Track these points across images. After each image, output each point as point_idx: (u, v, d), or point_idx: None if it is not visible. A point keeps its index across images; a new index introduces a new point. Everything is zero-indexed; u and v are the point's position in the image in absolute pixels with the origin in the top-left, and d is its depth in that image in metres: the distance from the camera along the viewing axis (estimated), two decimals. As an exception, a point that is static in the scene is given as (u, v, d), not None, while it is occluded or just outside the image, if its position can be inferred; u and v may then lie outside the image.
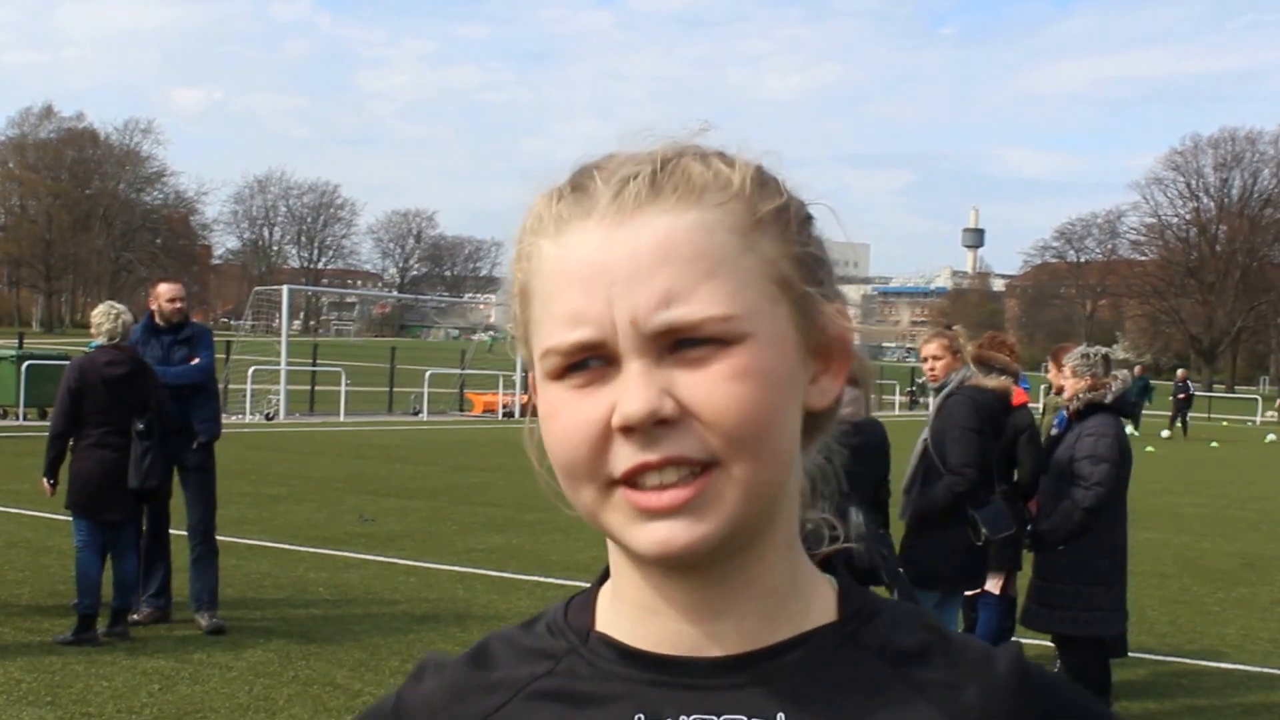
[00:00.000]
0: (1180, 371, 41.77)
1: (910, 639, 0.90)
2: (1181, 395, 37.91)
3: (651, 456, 0.80)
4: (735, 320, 0.81)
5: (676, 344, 0.81)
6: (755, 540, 0.86)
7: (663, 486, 0.81)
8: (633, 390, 0.80)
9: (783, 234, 0.86)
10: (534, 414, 0.88)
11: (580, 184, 0.85)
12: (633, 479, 0.81)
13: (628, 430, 0.80)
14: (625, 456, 0.81)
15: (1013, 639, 1.00)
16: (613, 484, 0.82)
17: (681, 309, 0.80)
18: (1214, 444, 35.38)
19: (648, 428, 0.80)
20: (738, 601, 0.87)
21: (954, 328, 6.74)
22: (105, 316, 7.79)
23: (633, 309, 0.80)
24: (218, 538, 8.42)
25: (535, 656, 0.92)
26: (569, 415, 0.82)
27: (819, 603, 0.91)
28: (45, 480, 7.76)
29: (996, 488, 6.35)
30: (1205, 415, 47.55)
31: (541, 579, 10.12)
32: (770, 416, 0.82)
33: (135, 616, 7.90)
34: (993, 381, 6.35)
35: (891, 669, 0.88)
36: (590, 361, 0.82)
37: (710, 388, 0.80)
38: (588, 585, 0.96)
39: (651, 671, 0.88)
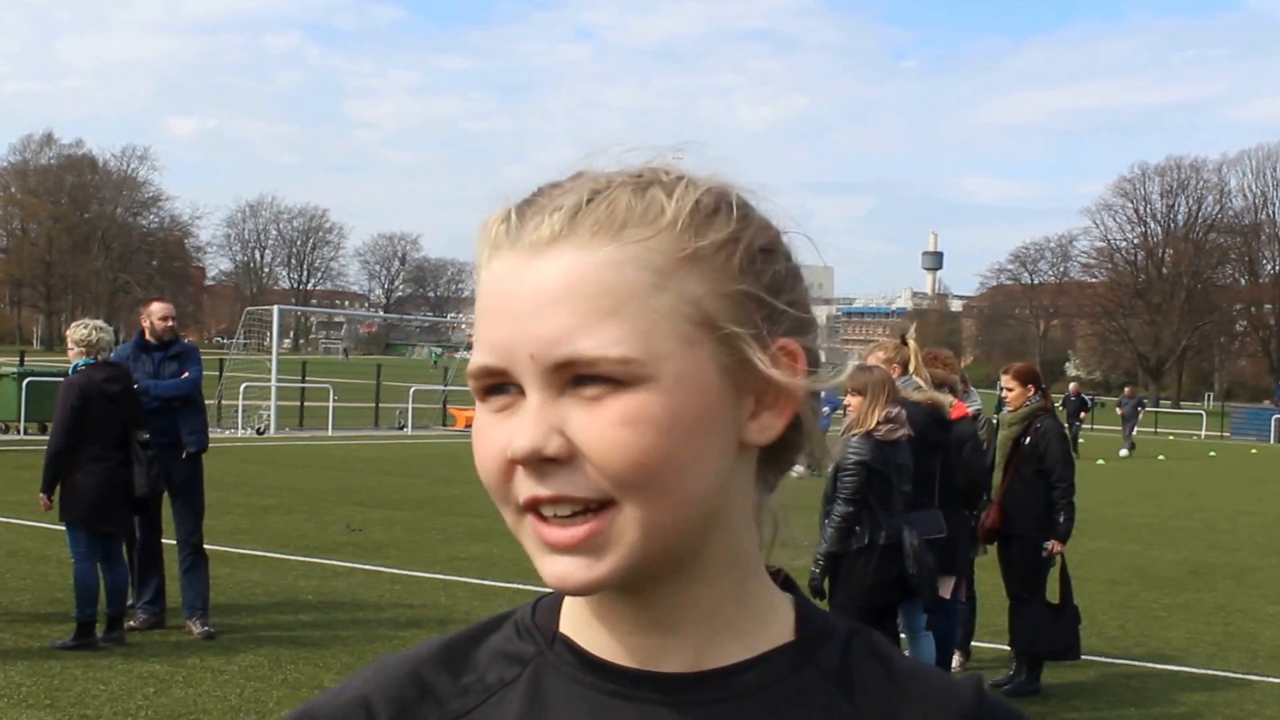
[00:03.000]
0: (1073, 385, 39.22)
1: (865, 664, 0.89)
2: (1081, 413, 35.02)
3: (542, 492, 0.80)
4: (633, 364, 0.79)
5: (575, 379, 0.79)
6: (686, 566, 0.85)
7: (561, 522, 0.80)
8: (522, 426, 0.79)
9: (720, 270, 0.82)
10: None
11: (521, 210, 0.84)
12: (532, 508, 0.81)
13: (518, 463, 0.80)
14: (523, 488, 0.81)
15: (976, 672, 1.00)
16: (521, 510, 0.82)
17: (578, 344, 0.78)
18: (1160, 457, 35.41)
19: (535, 463, 0.79)
20: (679, 621, 0.86)
21: (907, 338, 6.97)
22: (92, 330, 7.89)
23: (532, 342, 0.79)
24: (211, 547, 8.52)
25: (505, 660, 0.91)
26: (485, 439, 0.82)
27: (776, 622, 0.89)
28: (43, 496, 7.84)
29: (929, 496, 6.51)
30: (1153, 430, 47.85)
31: (521, 586, 10.19)
32: (666, 462, 0.79)
33: (131, 623, 8.03)
34: (918, 395, 6.47)
35: (843, 694, 0.87)
36: (507, 387, 0.81)
37: (598, 431, 0.79)
38: None
39: (610, 681, 0.87)
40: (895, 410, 5.89)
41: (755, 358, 0.83)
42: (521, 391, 0.81)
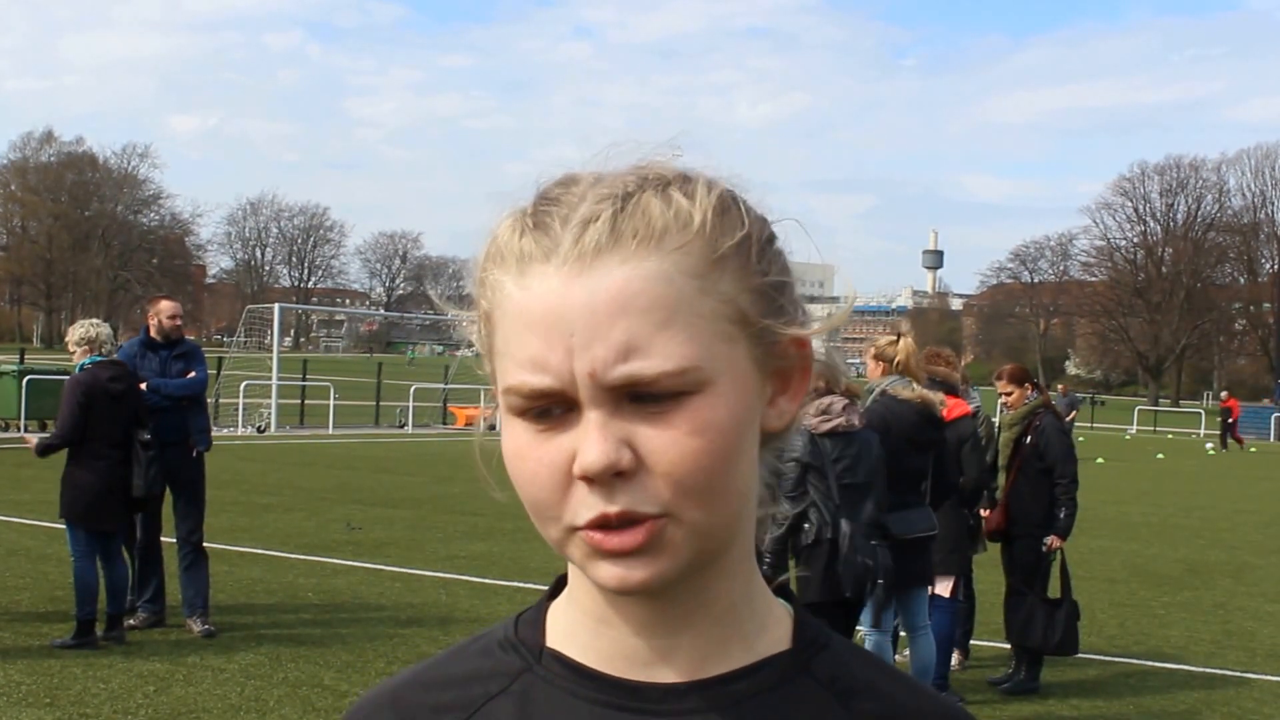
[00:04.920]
0: (1061, 386, 36.24)
1: (859, 675, 0.90)
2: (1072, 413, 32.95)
3: (610, 509, 0.79)
4: (692, 371, 0.79)
5: (636, 395, 0.79)
6: (712, 561, 0.85)
7: (618, 529, 0.80)
8: (591, 442, 0.79)
9: (743, 267, 0.83)
10: (490, 427, 0.89)
11: (541, 221, 0.82)
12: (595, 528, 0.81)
13: (587, 479, 0.80)
14: (585, 508, 0.80)
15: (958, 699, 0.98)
16: (573, 529, 0.81)
17: (637, 364, 0.78)
18: (1160, 455, 35.48)
19: (606, 479, 0.79)
20: (694, 619, 0.87)
21: (901, 336, 6.95)
22: (90, 327, 7.94)
23: (590, 362, 0.78)
24: (211, 545, 8.52)
25: (488, 676, 0.90)
26: (533, 459, 0.81)
27: (774, 626, 0.90)
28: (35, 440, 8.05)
29: (918, 494, 6.51)
30: (1152, 428, 47.93)
31: (521, 584, 10.26)
32: (725, 466, 0.81)
33: (131, 621, 8.04)
34: (908, 392, 6.45)
35: (839, 703, 0.88)
36: (553, 409, 0.81)
37: (668, 443, 0.79)
38: None
39: (605, 693, 0.87)
40: (828, 401, 5.80)
41: (781, 342, 0.85)
42: (568, 410, 0.81)
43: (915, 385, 6.53)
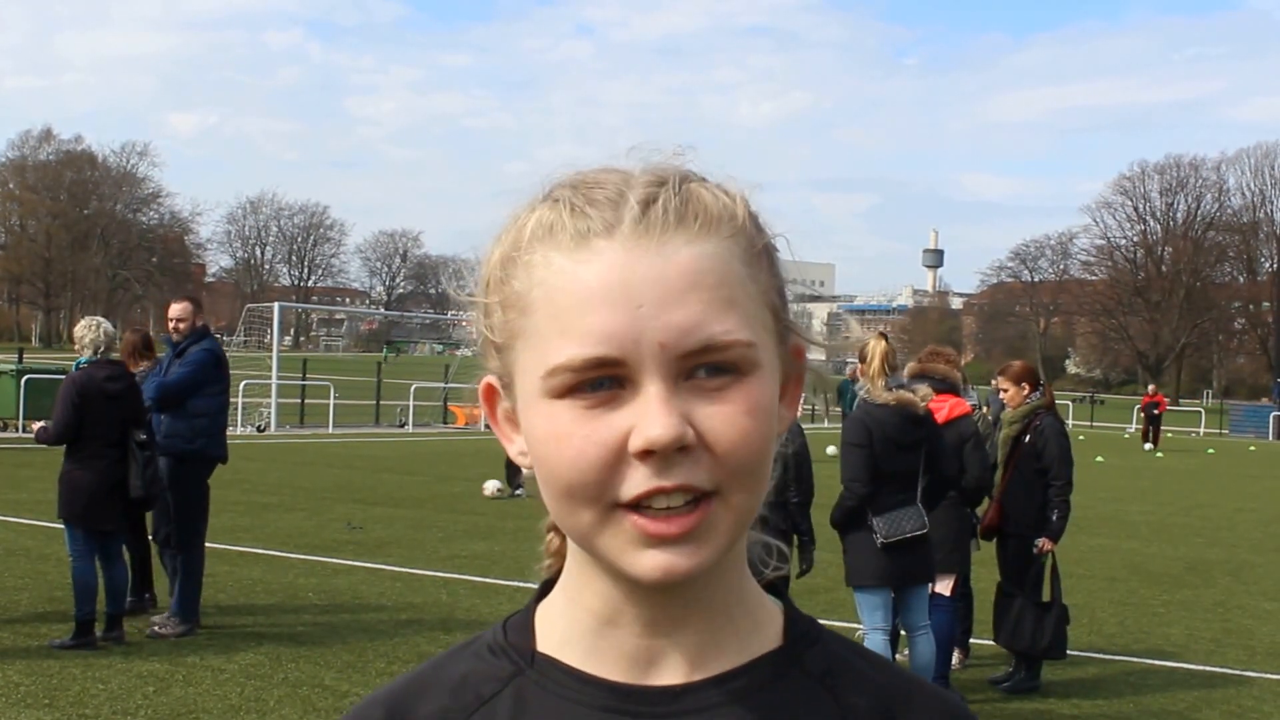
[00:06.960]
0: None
1: (851, 667, 0.91)
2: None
3: (666, 482, 0.79)
4: (754, 348, 0.82)
5: (693, 371, 0.80)
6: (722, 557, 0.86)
7: (670, 513, 0.80)
8: (657, 414, 0.78)
9: (771, 267, 0.87)
10: (486, 427, 0.97)
11: (594, 199, 0.83)
12: (640, 502, 0.80)
13: (645, 454, 0.79)
14: (638, 480, 0.79)
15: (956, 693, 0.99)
16: (616, 507, 0.80)
17: (713, 328, 0.80)
18: (1160, 454, 35.45)
19: (667, 453, 0.79)
20: (695, 616, 0.87)
21: (885, 336, 6.90)
22: (87, 329, 7.95)
23: (663, 331, 0.79)
24: (211, 545, 8.46)
25: (481, 680, 0.90)
26: (580, 436, 0.80)
27: (767, 622, 0.91)
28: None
29: (909, 492, 6.52)
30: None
31: (521, 584, 10.23)
32: (767, 449, 0.83)
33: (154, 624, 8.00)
34: (887, 395, 6.46)
35: (831, 696, 0.89)
36: (602, 382, 0.80)
37: (726, 420, 0.80)
38: None
39: (600, 696, 0.87)
40: None
41: (789, 351, 0.88)
42: (618, 386, 0.80)
43: (893, 386, 6.53)
